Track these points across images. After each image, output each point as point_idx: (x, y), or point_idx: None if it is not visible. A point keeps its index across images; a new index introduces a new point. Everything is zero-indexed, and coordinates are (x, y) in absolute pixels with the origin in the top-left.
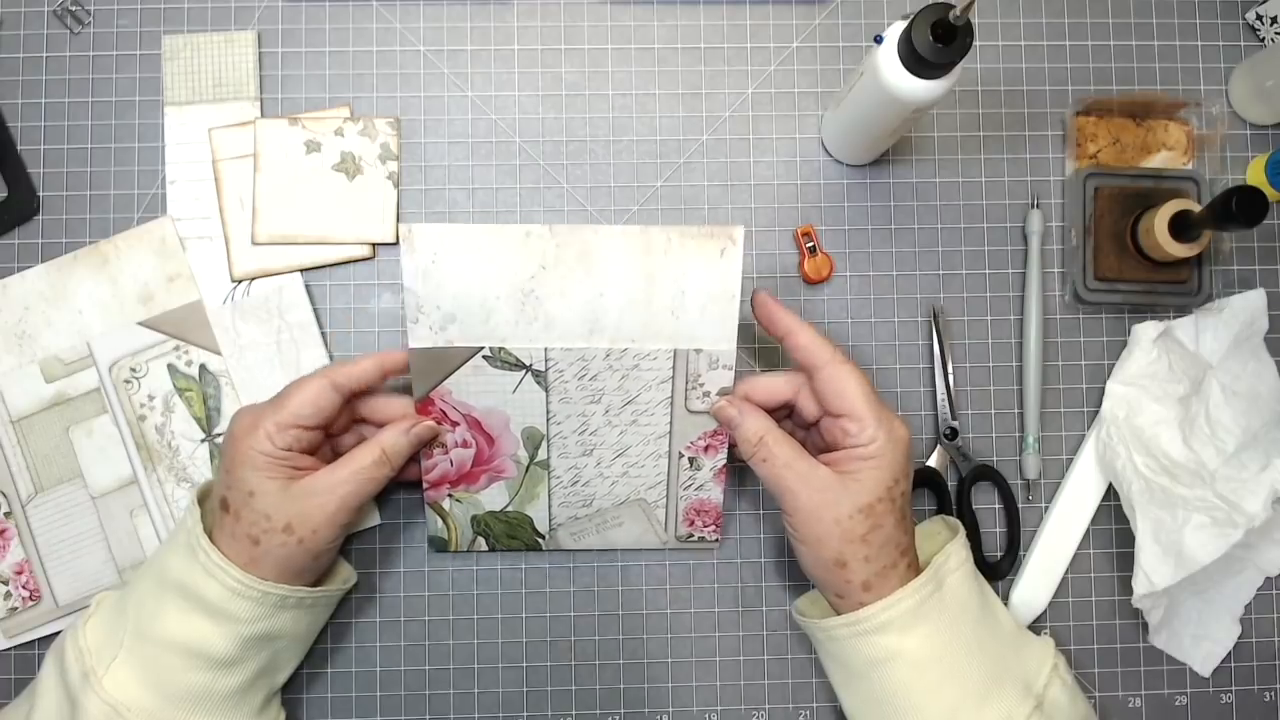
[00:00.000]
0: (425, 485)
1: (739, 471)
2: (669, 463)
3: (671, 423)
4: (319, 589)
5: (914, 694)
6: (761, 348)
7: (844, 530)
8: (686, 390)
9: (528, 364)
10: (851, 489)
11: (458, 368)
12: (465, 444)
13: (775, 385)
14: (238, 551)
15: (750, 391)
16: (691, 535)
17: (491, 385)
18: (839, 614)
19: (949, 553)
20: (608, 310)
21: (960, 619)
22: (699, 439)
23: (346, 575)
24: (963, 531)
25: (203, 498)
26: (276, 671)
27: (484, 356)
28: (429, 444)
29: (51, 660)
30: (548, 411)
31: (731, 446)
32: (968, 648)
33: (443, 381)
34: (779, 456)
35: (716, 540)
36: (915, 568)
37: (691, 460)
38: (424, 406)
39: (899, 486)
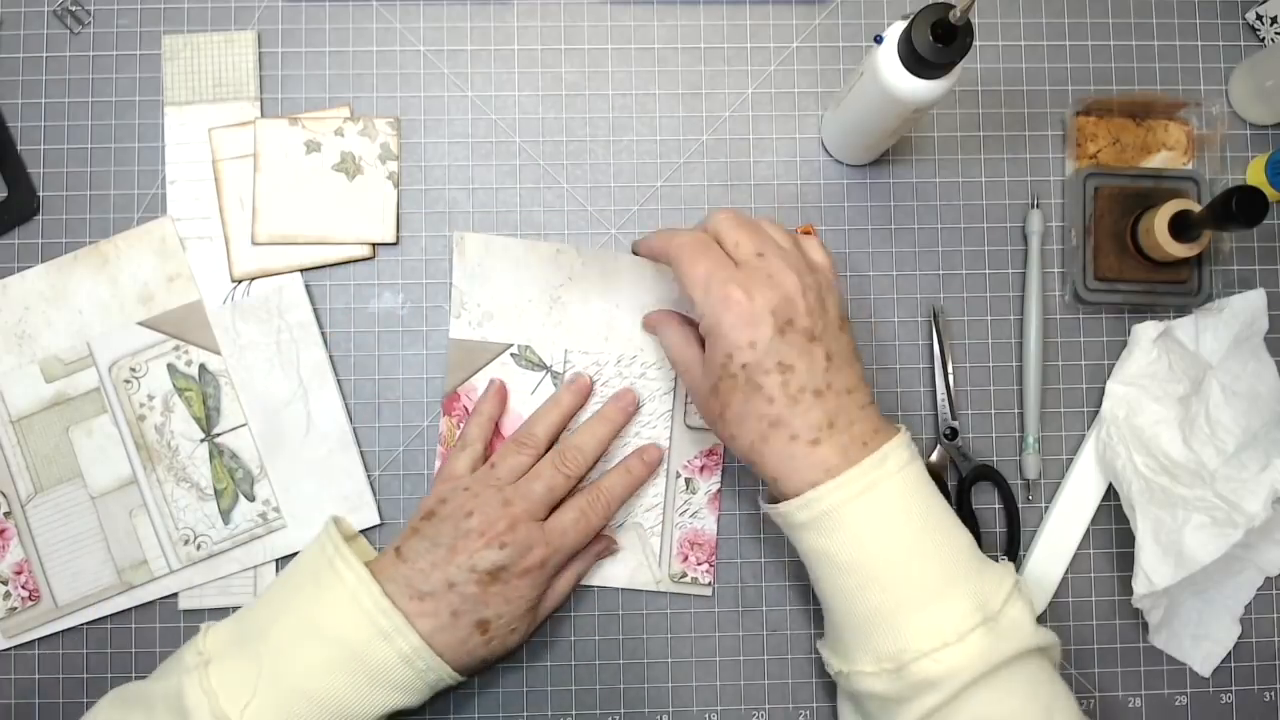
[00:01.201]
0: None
1: (736, 495)
2: (666, 484)
3: (671, 438)
4: (459, 678)
5: (838, 595)
6: None
7: (709, 406)
8: (686, 404)
9: (548, 365)
10: (703, 368)
11: (487, 363)
12: None
13: None
14: (440, 609)
15: None
16: (685, 575)
17: (513, 384)
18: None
19: (885, 454)
20: (622, 321)
21: (898, 526)
22: (695, 458)
23: None
24: (904, 432)
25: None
26: None
27: (511, 354)
28: (445, 444)
29: (162, 706)
30: None
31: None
32: (903, 555)
33: (471, 377)
34: (668, 338)
35: (710, 585)
36: (853, 441)
37: (688, 481)
38: (450, 402)
39: (739, 357)
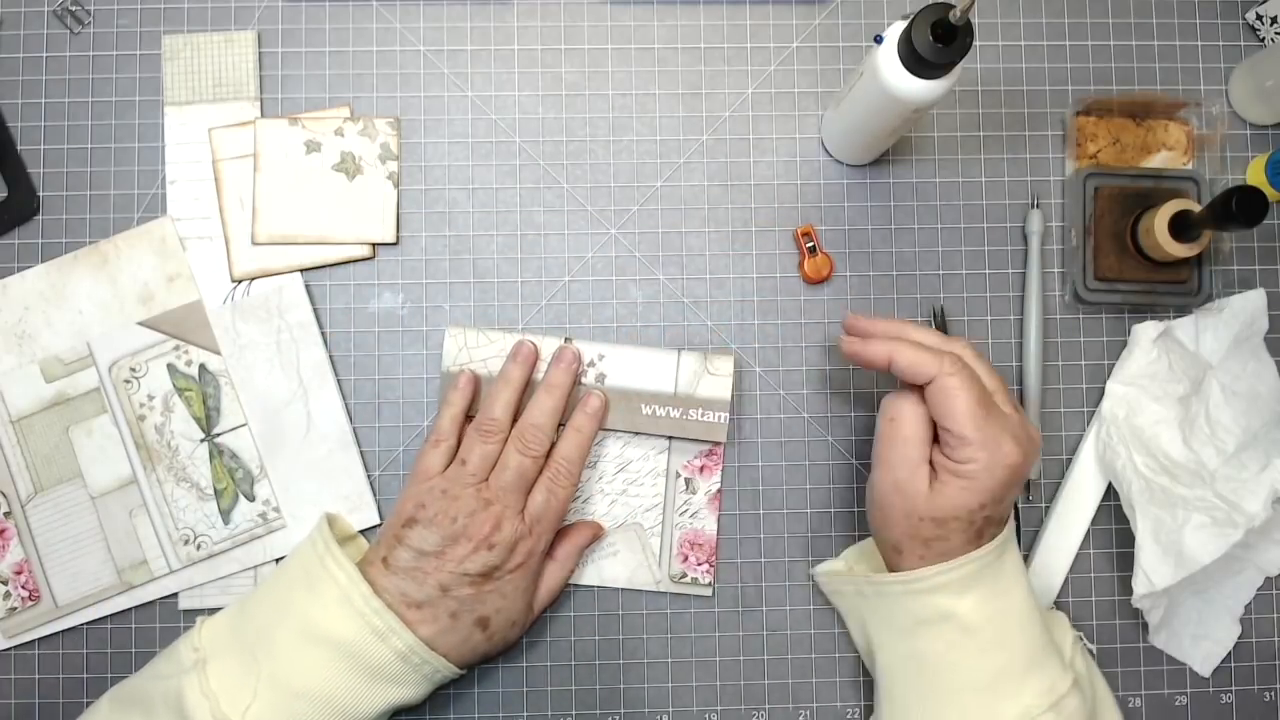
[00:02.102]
0: None
1: (737, 495)
2: (666, 484)
3: (671, 438)
4: (457, 671)
5: (957, 656)
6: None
7: (910, 528)
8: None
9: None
10: (934, 497)
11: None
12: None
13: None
14: (439, 614)
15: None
16: (685, 575)
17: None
18: (892, 569)
19: (1010, 527)
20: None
21: (1014, 589)
22: (695, 458)
23: None
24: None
25: (343, 539)
26: None
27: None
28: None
29: (162, 707)
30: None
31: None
32: (1019, 617)
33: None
34: (899, 432)
35: (710, 585)
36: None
37: (688, 481)
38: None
39: (983, 511)
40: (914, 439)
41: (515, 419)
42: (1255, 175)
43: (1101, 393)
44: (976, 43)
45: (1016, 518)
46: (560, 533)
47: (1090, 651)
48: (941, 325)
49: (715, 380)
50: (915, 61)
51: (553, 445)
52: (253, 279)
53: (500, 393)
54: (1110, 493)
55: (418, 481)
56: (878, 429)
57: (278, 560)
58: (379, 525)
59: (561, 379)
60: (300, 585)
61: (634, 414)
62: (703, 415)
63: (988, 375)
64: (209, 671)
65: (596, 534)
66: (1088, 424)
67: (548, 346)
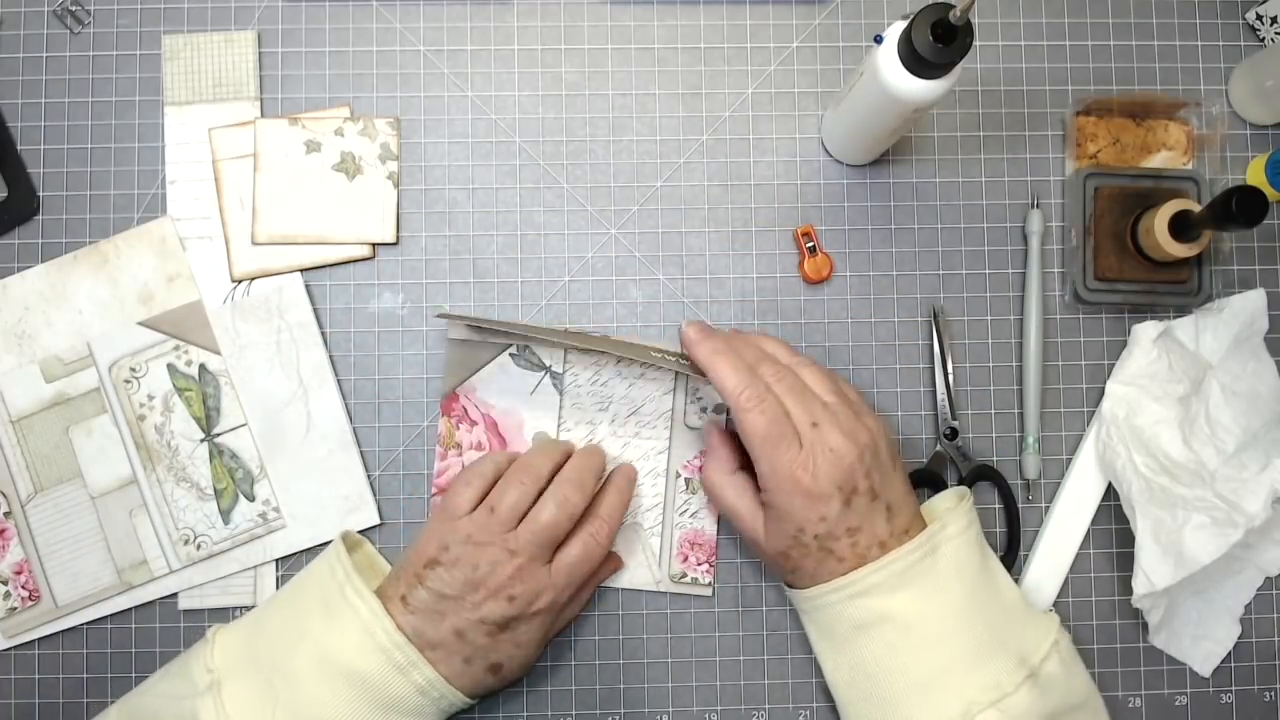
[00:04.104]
0: (434, 490)
1: None
2: (666, 484)
3: (671, 439)
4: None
5: (899, 655)
6: None
7: (775, 563)
8: (686, 404)
9: (548, 365)
10: (769, 534)
11: (487, 363)
12: (479, 446)
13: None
14: (470, 684)
15: None
16: (685, 575)
17: (513, 384)
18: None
19: (945, 521)
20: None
21: (952, 584)
22: (695, 459)
23: None
24: (968, 499)
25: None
26: None
27: (510, 354)
28: (444, 444)
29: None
30: (559, 416)
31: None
32: (959, 613)
33: (470, 377)
34: (724, 495)
35: (710, 585)
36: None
37: (687, 481)
38: (449, 403)
39: (810, 530)
40: (737, 494)
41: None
42: (1255, 175)
43: (1101, 393)
44: (976, 43)
45: (1015, 521)
46: None
47: (1077, 657)
48: (940, 325)
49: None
50: (915, 61)
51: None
52: (253, 279)
53: (546, 447)
54: (1110, 493)
55: (444, 520)
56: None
57: (278, 560)
58: (379, 525)
59: (600, 451)
60: (318, 612)
61: (643, 353)
62: None
63: (787, 394)
64: (224, 695)
65: (616, 567)
66: (1088, 424)
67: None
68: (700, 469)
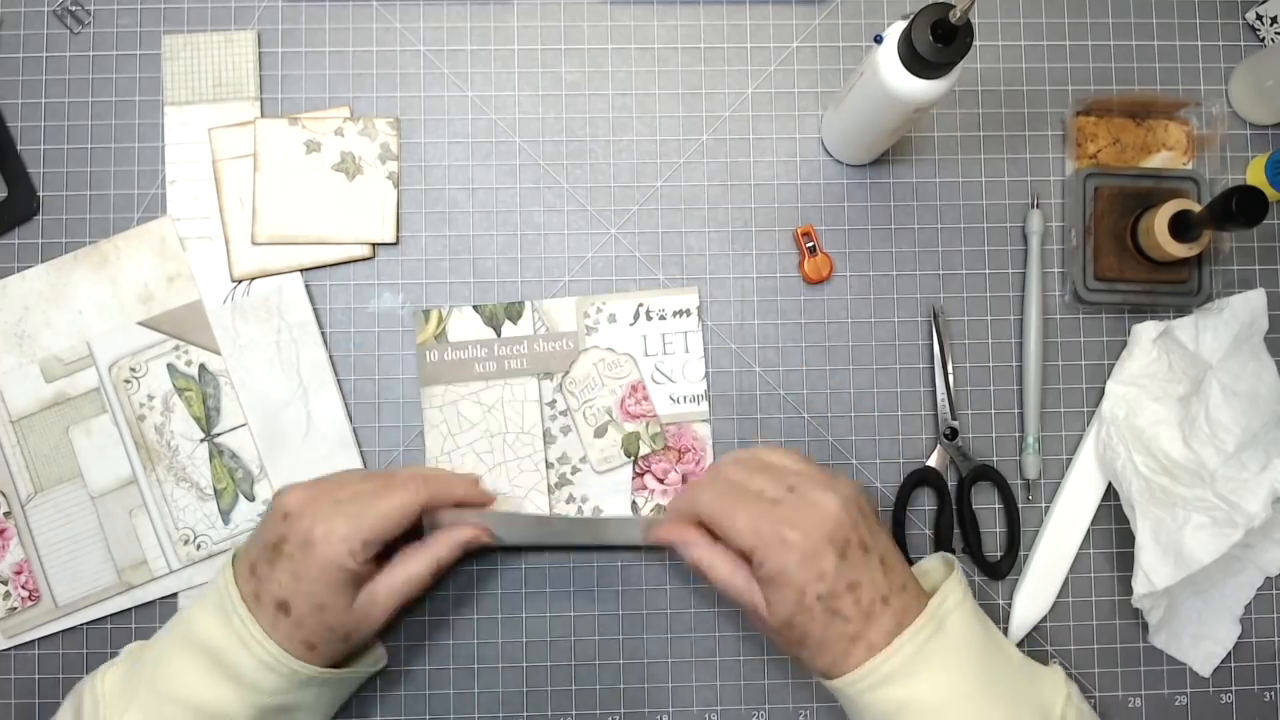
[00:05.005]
0: None
1: None
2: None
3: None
4: (349, 670)
5: None
6: None
7: (784, 637)
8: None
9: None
10: (771, 605)
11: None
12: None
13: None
14: (281, 636)
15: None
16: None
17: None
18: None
19: (945, 593)
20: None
21: (966, 657)
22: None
23: (377, 656)
24: (958, 569)
25: (235, 557)
26: None
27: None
28: None
29: (69, 704)
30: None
31: None
32: (980, 685)
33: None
34: (715, 571)
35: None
36: (911, 605)
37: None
38: None
39: (811, 591)
40: (729, 571)
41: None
42: (1255, 175)
43: (1101, 393)
44: (976, 43)
45: (1015, 521)
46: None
47: (1088, 705)
48: (940, 325)
49: None
50: (915, 61)
51: None
52: (253, 279)
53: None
54: (1110, 493)
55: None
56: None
57: None
58: None
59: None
60: (198, 600)
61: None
62: None
63: (752, 474)
64: (107, 675)
65: (478, 535)
66: (1088, 424)
67: (561, 309)
68: (685, 557)
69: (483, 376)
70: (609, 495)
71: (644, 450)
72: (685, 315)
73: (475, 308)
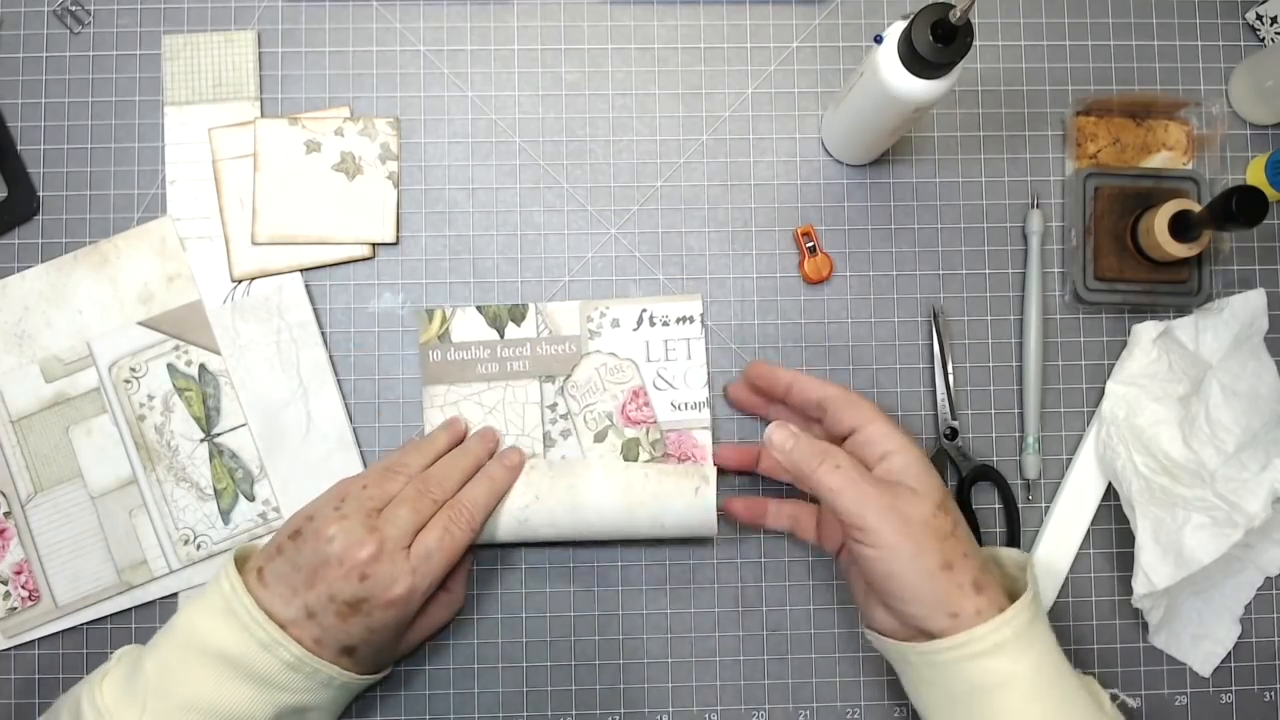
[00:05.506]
0: None
1: (736, 495)
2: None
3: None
4: (370, 676)
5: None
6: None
7: (936, 528)
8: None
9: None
10: (921, 491)
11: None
12: None
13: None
14: (304, 635)
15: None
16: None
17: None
18: (939, 636)
19: (1032, 579)
20: (593, 531)
21: (1056, 646)
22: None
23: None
24: (1032, 565)
25: (240, 560)
26: None
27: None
28: None
29: (67, 713)
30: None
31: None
32: (1066, 678)
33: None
34: (848, 463)
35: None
36: (998, 585)
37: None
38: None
39: (945, 503)
40: (860, 468)
41: None
42: (1255, 175)
43: (1101, 393)
44: (976, 43)
45: (1015, 521)
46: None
47: (1130, 707)
48: (940, 325)
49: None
50: (915, 61)
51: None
52: (253, 279)
53: (420, 446)
54: (1110, 493)
55: (326, 493)
56: (826, 487)
57: None
58: None
59: (478, 448)
60: (195, 604)
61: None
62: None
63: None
64: (104, 686)
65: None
66: (1088, 424)
67: (565, 313)
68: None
69: (485, 378)
70: None
71: (644, 456)
72: (689, 322)
73: (479, 308)
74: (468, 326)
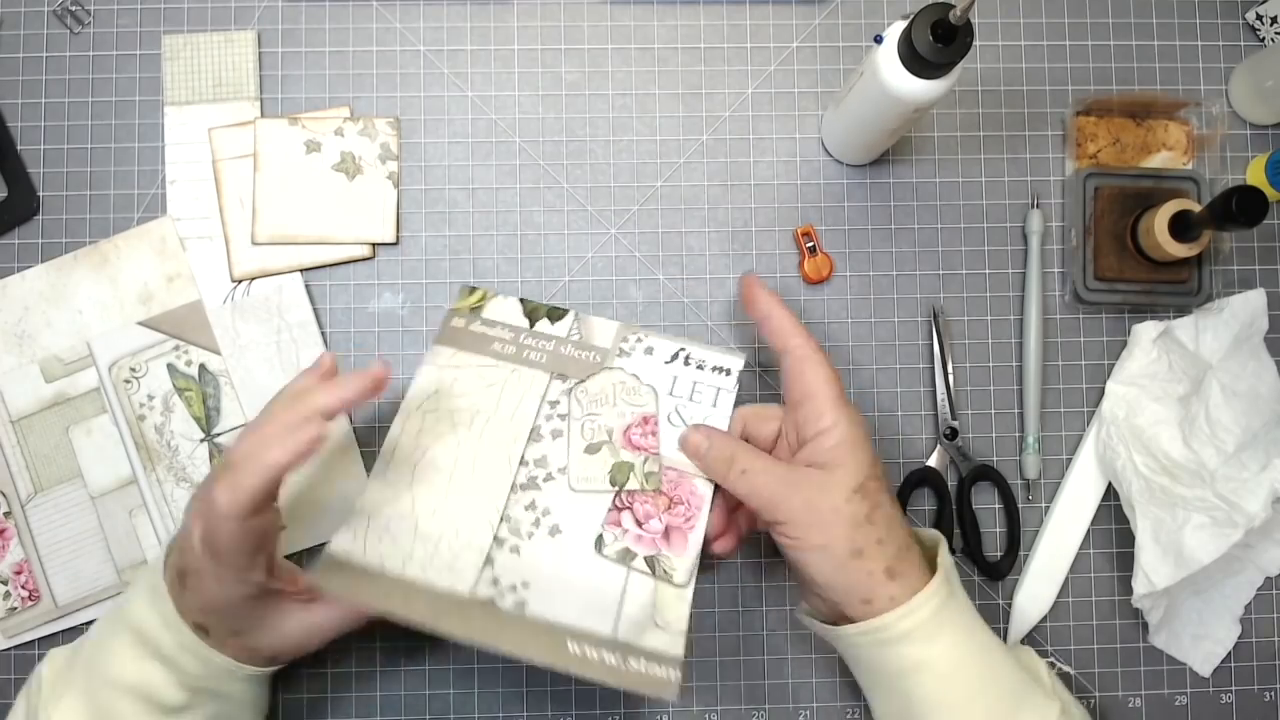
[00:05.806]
0: None
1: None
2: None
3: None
4: (256, 669)
5: (945, 707)
6: None
7: (849, 515)
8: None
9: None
10: (837, 474)
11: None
12: None
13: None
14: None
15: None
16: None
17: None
18: (858, 620)
19: (944, 558)
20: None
21: (975, 624)
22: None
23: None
24: (943, 540)
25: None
26: None
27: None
28: None
29: (25, 687)
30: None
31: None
32: (988, 653)
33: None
34: (757, 466)
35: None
36: (918, 565)
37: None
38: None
39: (878, 466)
40: (771, 461)
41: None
42: (1255, 175)
43: (1101, 393)
44: (976, 43)
45: (1015, 521)
46: None
47: (1065, 674)
48: (940, 325)
49: (662, 635)
50: (915, 61)
51: None
52: (253, 279)
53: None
54: (1110, 493)
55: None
56: (740, 490)
57: None
58: None
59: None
60: (133, 582)
61: (558, 649)
62: (647, 668)
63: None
64: (56, 658)
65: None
66: (1088, 424)
67: (603, 327)
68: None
69: (497, 355)
70: (575, 519)
71: (632, 485)
72: (725, 374)
73: (521, 300)
74: (503, 310)
